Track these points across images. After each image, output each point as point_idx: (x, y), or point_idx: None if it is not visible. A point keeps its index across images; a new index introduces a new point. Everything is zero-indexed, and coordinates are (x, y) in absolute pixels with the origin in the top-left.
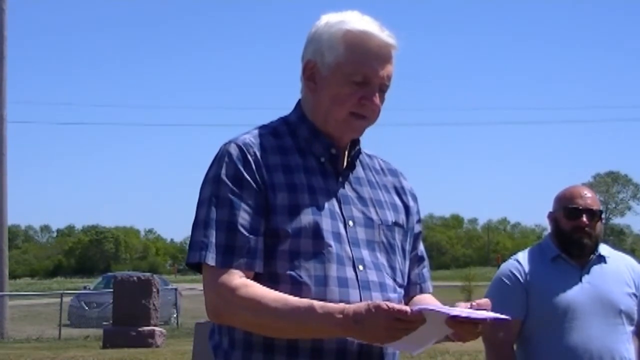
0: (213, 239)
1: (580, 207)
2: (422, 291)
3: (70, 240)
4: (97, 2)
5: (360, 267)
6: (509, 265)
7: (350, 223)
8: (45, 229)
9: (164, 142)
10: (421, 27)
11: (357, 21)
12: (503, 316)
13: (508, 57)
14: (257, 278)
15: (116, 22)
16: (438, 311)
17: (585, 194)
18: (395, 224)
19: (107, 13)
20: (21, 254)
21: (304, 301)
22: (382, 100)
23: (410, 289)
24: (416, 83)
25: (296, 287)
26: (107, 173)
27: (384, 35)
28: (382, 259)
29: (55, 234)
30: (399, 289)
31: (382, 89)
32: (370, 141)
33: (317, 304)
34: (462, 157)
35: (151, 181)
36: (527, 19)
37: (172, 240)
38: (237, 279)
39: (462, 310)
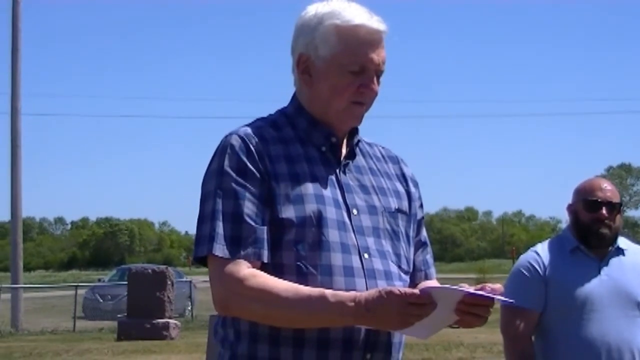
0: (220, 230)
1: (600, 200)
2: (427, 277)
3: (84, 233)
4: None
5: (366, 256)
6: (527, 257)
7: (355, 211)
8: (60, 221)
9: (179, 134)
10: (437, 20)
11: (346, 11)
12: (509, 300)
13: (521, 49)
14: (262, 269)
15: (134, 13)
16: (451, 289)
17: (605, 187)
18: (399, 210)
19: (122, 5)
20: (35, 247)
21: (316, 290)
22: (378, 83)
23: (415, 276)
24: (431, 76)
25: (302, 277)
26: (121, 165)
27: (374, 22)
28: (387, 246)
29: (69, 227)
30: (404, 276)
31: (378, 74)
32: (384, 133)
33: (329, 292)
34: (476, 149)
35: (166, 174)
36: (541, 9)
37: (186, 232)
38: (245, 269)
39: (470, 289)
